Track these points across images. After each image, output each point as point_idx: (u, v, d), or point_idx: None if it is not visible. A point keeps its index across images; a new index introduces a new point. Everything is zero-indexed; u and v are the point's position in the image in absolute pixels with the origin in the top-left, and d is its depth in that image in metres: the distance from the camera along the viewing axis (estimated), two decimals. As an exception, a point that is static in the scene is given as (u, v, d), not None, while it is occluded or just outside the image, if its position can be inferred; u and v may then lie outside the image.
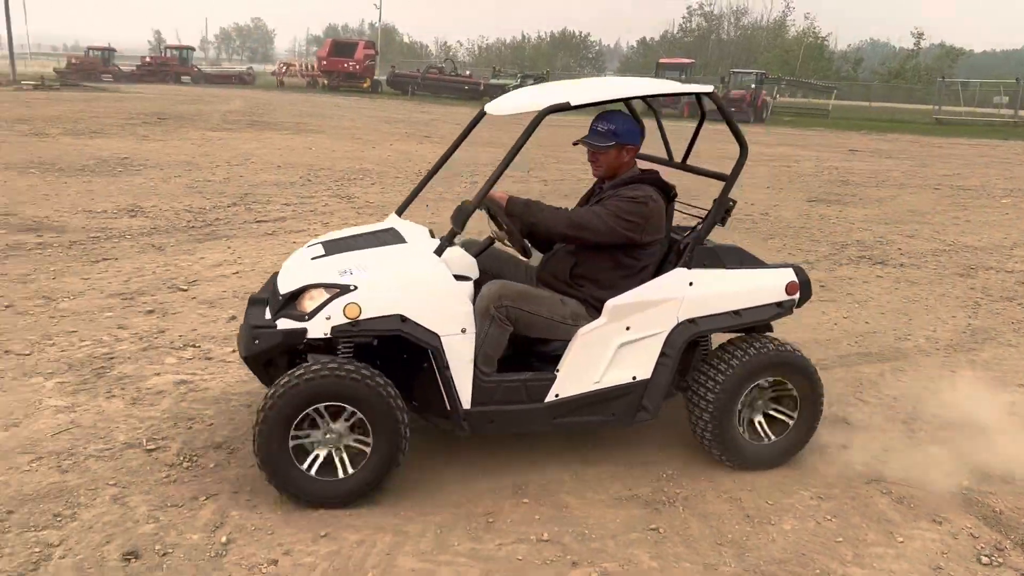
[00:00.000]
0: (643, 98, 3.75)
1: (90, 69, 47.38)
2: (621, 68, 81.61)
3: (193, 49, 56.88)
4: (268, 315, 3.32)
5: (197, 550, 2.97)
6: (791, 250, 8.68)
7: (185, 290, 6.22)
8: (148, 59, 55.71)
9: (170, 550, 2.96)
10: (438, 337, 3.21)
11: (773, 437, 3.68)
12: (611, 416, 3.53)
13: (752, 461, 3.64)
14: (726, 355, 3.56)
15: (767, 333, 3.73)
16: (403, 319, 3.17)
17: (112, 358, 4.77)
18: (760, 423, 3.69)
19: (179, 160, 13.57)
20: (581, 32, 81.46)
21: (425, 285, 3.23)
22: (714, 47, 69.40)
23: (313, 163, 13.83)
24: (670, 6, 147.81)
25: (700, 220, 3.79)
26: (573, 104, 3.30)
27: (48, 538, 2.99)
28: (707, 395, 3.52)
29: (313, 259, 3.50)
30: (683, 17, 74.78)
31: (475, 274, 3.38)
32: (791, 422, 3.67)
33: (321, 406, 3.12)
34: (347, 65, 45.30)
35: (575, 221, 3.42)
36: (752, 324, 3.61)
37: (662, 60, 43.35)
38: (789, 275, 3.65)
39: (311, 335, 3.15)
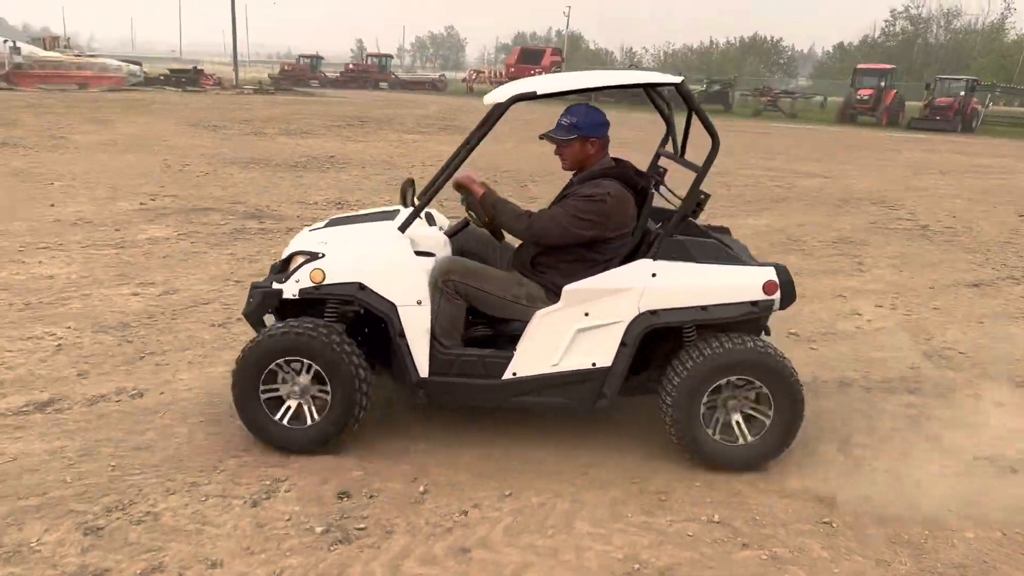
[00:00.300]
0: (610, 88, 3.71)
1: (300, 75, 51.47)
2: (814, 74, 77.98)
3: (391, 57, 60.42)
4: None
5: (399, 496, 3.34)
6: (994, 265, 8.13)
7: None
8: (351, 66, 59.74)
9: (375, 494, 3.35)
10: (394, 307, 3.46)
11: (751, 438, 3.56)
12: (571, 400, 3.56)
13: (722, 462, 3.57)
14: (688, 354, 3.49)
15: (746, 332, 3.56)
16: (361, 287, 3.46)
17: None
18: (739, 423, 3.57)
19: (379, 159, 14.61)
20: (772, 37, 78.70)
21: (384, 257, 3.51)
22: (920, 52, 64.77)
23: (500, 164, 14.45)
24: (872, 9, 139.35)
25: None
26: (539, 93, 3.39)
27: (276, 474, 3.47)
28: (671, 393, 3.49)
29: (310, 231, 3.84)
30: (886, 21, 70.26)
31: (443, 252, 3.58)
32: (768, 422, 3.54)
33: (282, 361, 3.45)
34: (534, 71, 46.42)
35: (534, 231, 3.51)
36: (721, 321, 3.49)
37: (860, 66, 41.08)
38: (768, 274, 3.49)
39: (285, 295, 3.52)
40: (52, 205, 8.97)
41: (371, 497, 3.32)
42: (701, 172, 3.51)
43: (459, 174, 3.73)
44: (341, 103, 31.76)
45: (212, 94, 34.47)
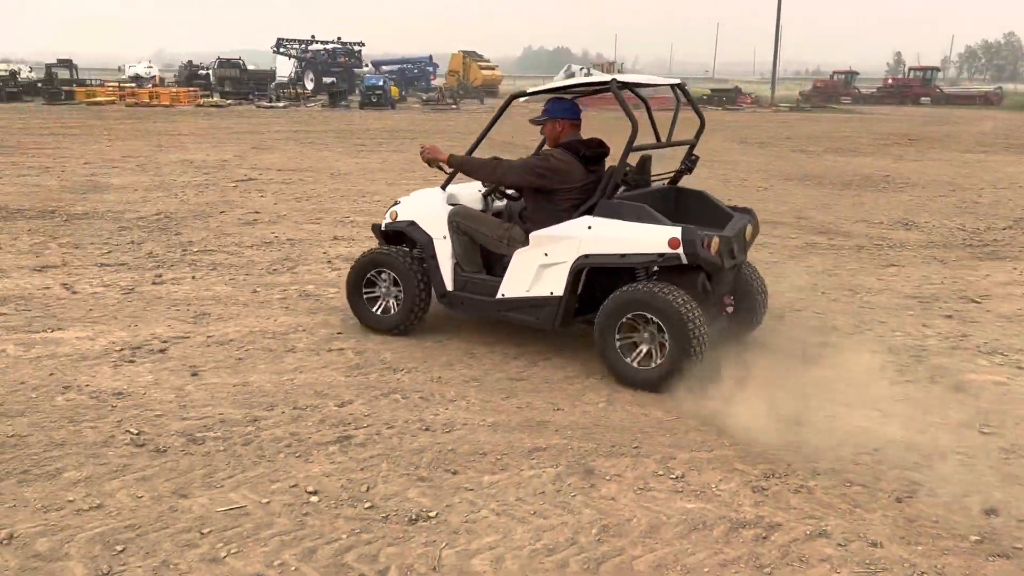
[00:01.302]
0: (595, 87, 5.00)
1: (831, 92, 50.28)
2: None
3: (938, 70, 55.34)
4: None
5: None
6: None
7: (978, 303, 6.43)
8: (890, 81, 56.31)
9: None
10: (431, 238, 4.98)
11: (657, 364, 4.31)
12: (538, 319, 4.64)
13: (636, 383, 4.36)
14: (609, 296, 4.41)
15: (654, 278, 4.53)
16: (412, 223, 5.09)
17: (924, 350, 5.29)
18: (650, 352, 4.35)
19: (939, 180, 13.68)
20: None
21: (428, 205, 5.10)
22: None
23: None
24: None
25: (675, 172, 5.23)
26: (528, 92, 5.30)
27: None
28: (596, 326, 4.44)
29: (412, 192, 5.47)
30: None
31: (476, 205, 5.22)
32: (665, 351, 4.26)
33: (373, 272, 5.17)
34: None
35: (497, 174, 4.73)
36: (635, 265, 4.47)
37: None
38: (673, 232, 4.19)
39: (383, 227, 5.33)
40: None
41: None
42: (694, 141, 5.09)
43: (422, 152, 5.00)
44: (882, 120, 30.25)
45: (749, 112, 35.71)
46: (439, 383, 4.48)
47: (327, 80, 41.95)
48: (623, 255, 4.34)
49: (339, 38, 46.99)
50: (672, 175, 5.26)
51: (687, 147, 5.13)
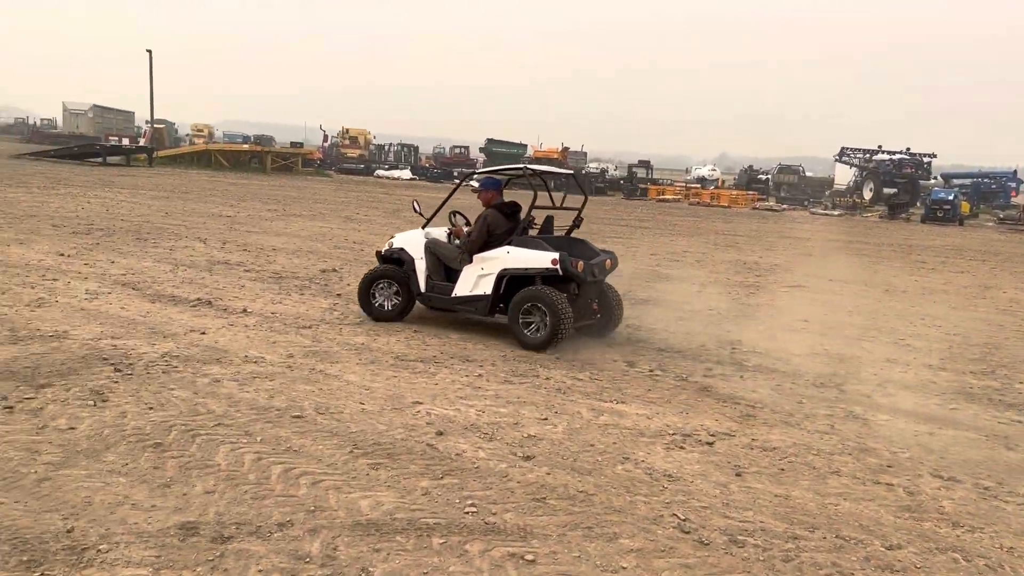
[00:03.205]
0: (521, 172, 8.15)
1: None
2: None
3: None
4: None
5: None
6: None
7: None
8: None
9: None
10: (412, 258, 7.85)
11: (541, 334, 7.12)
12: (478, 310, 7.53)
13: (530, 346, 7.13)
14: (517, 294, 7.26)
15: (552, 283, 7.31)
16: (402, 249, 7.96)
17: None
18: (540, 327, 7.12)
19: None
20: None
21: (412, 238, 8.03)
22: None
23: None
24: None
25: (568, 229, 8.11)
26: (475, 174, 8.86)
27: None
28: (509, 313, 7.30)
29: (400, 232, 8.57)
30: None
31: (443, 239, 8.10)
32: (547, 327, 7.07)
33: (381, 282, 7.98)
34: None
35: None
36: (533, 274, 7.24)
37: None
38: (554, 255, 7.06)
39: (382, 252, 8.26)
40: None
41: None
42: (579, 211, 8.06)
43: (455, 228, 8.14)
44: None
45: None
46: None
47: (888, 191, 40.13)
48: (526, 268, 7.25)
49: (908, 148, 44.68)
50: (569, 228, 8.11)
51: (578, 211, 8.06)
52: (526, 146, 58.24)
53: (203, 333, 6.99)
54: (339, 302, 8.86)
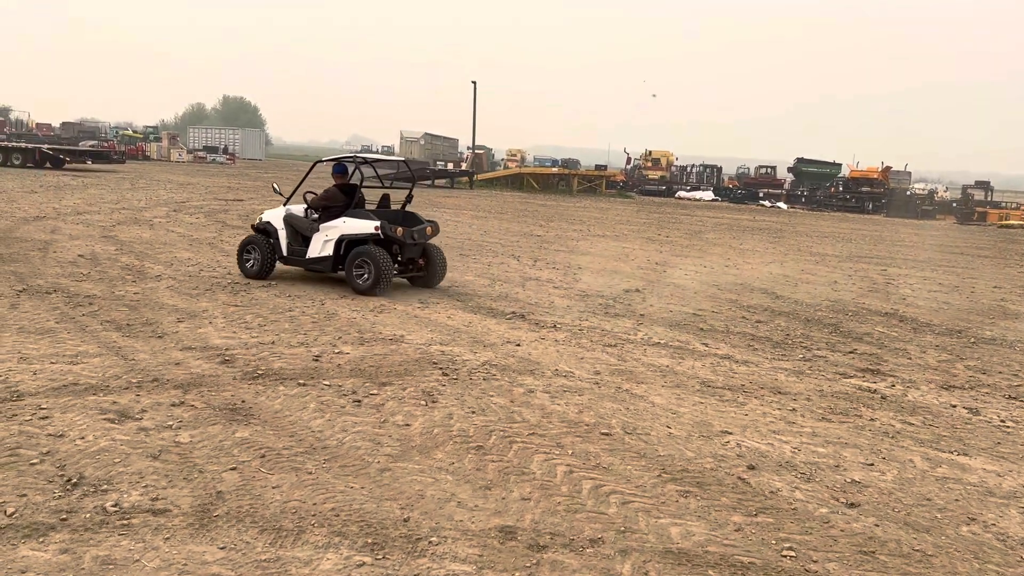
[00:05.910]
0: (362, 161, 10.54)
1: None
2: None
3: None
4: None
5: None
6: None
7: None
8: None
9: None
10: (275, 228, 10.10)
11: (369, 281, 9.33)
12: (325, 268, 9.73)
13: (360, 291, 9.36)
14: (354, 252, 9.48)
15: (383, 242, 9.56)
16: (268, 222, 10.22)
17: None
18: (367, 276, 9.34)
19: None
20: None
21: (276, 213, 10.25)
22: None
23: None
24: None
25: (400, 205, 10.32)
26: (323, 160, 11.27)
27: None
28: (346, 266, 9.53)
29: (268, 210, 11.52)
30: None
31: (301, 214, 10.14)
32: (372, 275, 9.31)
33: (249, 244, 10.21)
34: None
35: (313, 206, 10.01)
36: (363, 238, 9.42)
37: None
38: (377, 223, 9.31)
39: (253, 225, 10.76)
40: None
41: None
42: (409, 193, 10.73)
43: (308, 197, 10.21)
44: None
45: None
46: None
47: None
48: (357, 234, 9.49)
49: None
50: (402, 204, 10.38)
51: (408, 190, 10.91)
52: (840, 165, 54.47)
53: (518, 345, 7.38)
54: (643, 323, 8.87)
